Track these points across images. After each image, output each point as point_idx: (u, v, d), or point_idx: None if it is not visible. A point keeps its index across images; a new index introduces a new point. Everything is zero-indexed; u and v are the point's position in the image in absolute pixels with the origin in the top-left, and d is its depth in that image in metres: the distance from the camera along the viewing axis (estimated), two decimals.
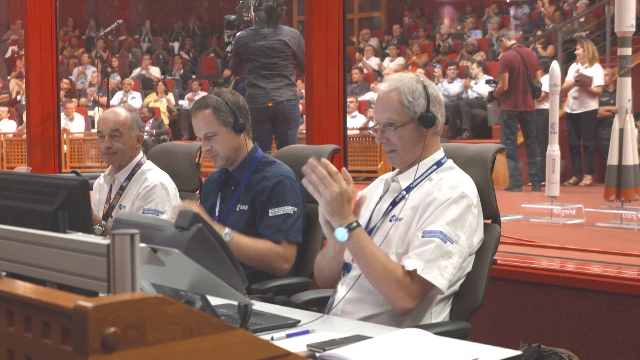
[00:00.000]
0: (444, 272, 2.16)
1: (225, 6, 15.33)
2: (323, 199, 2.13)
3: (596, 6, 11.51)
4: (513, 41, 9.01)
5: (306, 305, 2.49)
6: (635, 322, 3.11)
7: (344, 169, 2.18)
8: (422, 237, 2.19)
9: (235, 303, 1.81)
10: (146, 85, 14.66)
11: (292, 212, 2.90)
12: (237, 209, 2.98)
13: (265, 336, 1.90)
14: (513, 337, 3.39)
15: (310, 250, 2.97)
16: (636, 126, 6.56)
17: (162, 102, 13.79)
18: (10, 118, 13.65)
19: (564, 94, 8.92)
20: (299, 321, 2.08)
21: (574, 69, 9.15)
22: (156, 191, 3.42)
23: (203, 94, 13.28)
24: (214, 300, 1.94)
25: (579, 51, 9.16)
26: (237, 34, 6.23)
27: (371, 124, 11.07)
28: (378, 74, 13.06)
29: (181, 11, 17.81)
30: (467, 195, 2.24)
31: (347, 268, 2.36)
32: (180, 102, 14.17)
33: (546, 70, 8.46)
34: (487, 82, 9.98)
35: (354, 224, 2.15)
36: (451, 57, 13.03)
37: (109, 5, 17.57)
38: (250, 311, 1.79)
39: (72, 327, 0.93)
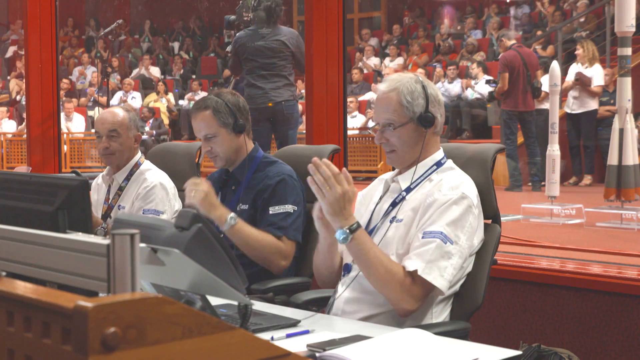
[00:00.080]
0: (444, 272, 2.16)
1: (225, 6, 15.33)
2: (326, 199, 2.13)
3: (596, 6, 11.51)
4: (513, 41, 9.01)
5: (306, 305, 2.49)
6: (635, 322, 3.11)
7: (344, 169, 2.18)
8: (423, 237, 2.19)
9: (235, 303, 1.82)
10: (146, 85, 14.66)
11: (292, 211, 2.90)
12: (238, 209, 2.98)
13: (265, 336, 1.90)
14: (513, 337, 3.39)
15: (310, 250, 2.97)
16: (636, 126, 6.56)
17: (162, 102, 13.79)
18: (10, 118, 13.65)
19: (564, 94, 8.92)
20: (299, 321, 2.08)
21: (574, 69, 9.15)
22: (156, 191, 3.42)
23: (203, 94, 13.29)
24: (214, 300, 1.94)
25: (579, 51, 9.16)
26: (236, 34, 6.24)
27: (370, 123, 11.07)
28: (378, 74, 13.06)
29: (181, 11, 17.81)
30: (467, 196, 2.24)
31: (347, 269, 2.36)
32: (180, 102, 14.17)
33: (546, 70, 8.46)
34: (487, 82, 9.98)
35: (355, 225, 2.15)
36: (451, 57, 13.03)
37: (109, 5, 17.57)
38: (250, 311, 1.79)
39: (72, 327, 0.93)
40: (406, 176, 2.35)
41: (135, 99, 13.63)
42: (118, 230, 1.09)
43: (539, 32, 12.19)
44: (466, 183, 2.29)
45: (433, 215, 2.21)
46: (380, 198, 2.42)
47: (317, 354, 1.77)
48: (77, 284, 1.17)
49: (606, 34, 10.29)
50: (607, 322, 3.17)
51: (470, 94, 11.32)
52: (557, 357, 2.94)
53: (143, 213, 3.36)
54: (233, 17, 6.38)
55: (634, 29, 5.98)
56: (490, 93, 9.18)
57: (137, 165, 3.54)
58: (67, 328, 0.94)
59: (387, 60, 13.76)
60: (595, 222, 5.99)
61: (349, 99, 10.47)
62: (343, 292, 2.31)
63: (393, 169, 2.47)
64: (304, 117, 7.14)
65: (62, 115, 11.96)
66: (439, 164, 2.35)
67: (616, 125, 5.97)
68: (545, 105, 8.36)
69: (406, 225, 2.26)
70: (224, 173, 3.12)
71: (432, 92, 2.34)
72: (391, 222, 2.30)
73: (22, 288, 1.04)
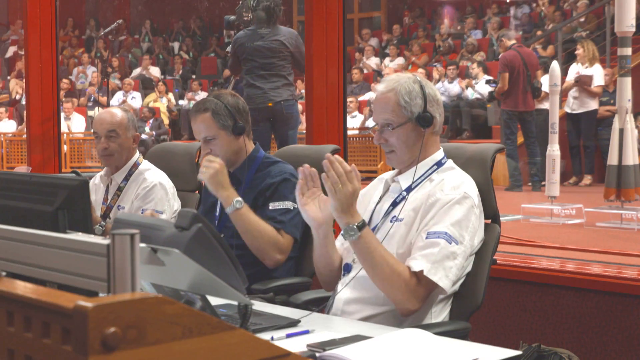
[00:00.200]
0: (449, 273, 2.16)
1: (225, 6, 15.34)
2: (337, 196, 2.13)
3: (596, 6, 11.51)
4: (513, 41, 9.01)
5: (306, 305, 2.49)
6: (635, 322, 3.11)
7: (353, 166, 2.17)
8: (427, 238, 2.18)
9: (235, 303, 1.82)
10: (146, 85, 14.65)
11: (292, 208, 2.90)
12: None
13: (265, 336, 1.90)
14: (513, 337, 3.39)
15: (310, 251, 2.97)
16: (636, 126, 6.56)
17: (162, 102, 13.79)
18: (10, 118, 13.65)
19: (564, 94, 8.92)
20: (299, 321, 2.08)
21: (574, 69, 9.15)
22: (155, 191, 3.43)
23: (203, 94, 13.30)
24: (214, 300, 1.94)
25: (579, 51, 9.16)
26: (236, 34, 6.24)
27: (369, 124, 11.07)
28: (378, 74, 13.06)
29: (181, 11, 17.81)
30: (469, 195, 2.24)
31: (347, 269, 2.36)
32: (180, 102, 14.17)
33: (546, 70, 8.46)
34: (487, 82, 9.98)
35: (362, 223, 2.15)
36: (451, 57, 13.03)
37: (109, 5, 17.57)
38: (250, 311, 1.79)
39: (72, 327, 0.93)
40: (406, 176, 2.35)
41: (135, 99, 13.63)
42: (118, 230, 1.09)
43: (539, 32, 12.19)
44: (467, 183, 2.29)
45: (436, 216, 2.21)
46: (381, 198, 2.42)
47: (317, 354, 1.76)
48: (77, 284, 1.17)
49: (606, 34, 10.29)
50: (607, 322, 3.17)
51: (470, 93, 11.32)
52: (557, 357, 2.93)
53: (142, 213, 3.35)
54: (233, 17, 6.38)
55: (634, 29, 5.98)
56: (490, 93, 9.18)
57: (136, 165, 3.54)
58: (67, 328, 0.94)
59: (387, 61, 13.76)
60: (595, 222, 6.00)
61: (349, 99, 10.47)
62: (343, 292, 2.31)
63: (393, 169, 2.47)
64: (303, 117, 7.13)
65: (62, 115, 11.97)
66: (439, 164, 2.35)
67: (616, 125, 5.98)
68: (545, 105, 8.36)
69: (407, 225, 2.26)
70: None
71: (430, 91, 2.34)
72: (392, 221, 2.30)
73: (22, 288, 1.04)
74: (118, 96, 13.65)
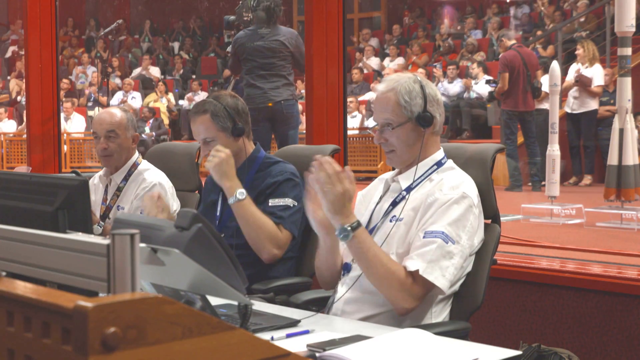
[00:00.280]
0: (445, 272, 2.16)
1: (225, 6, 15.35)
2: (327, 197, 2.13)
3: (596, 6, 11.51)
4: (513, 41, 9.01)
5: (306, 305, 2.49)
6: (635, 322, 3.11)
7: (347, 167, 2.18)
8: (424, 237, 2.19)
9: (235, 303, 1.82)
10: (146, 85, 14.66)
11: (292, 205, 2.91)
12: None
13: (265, 336, 1.90)
14: (513, 337, 3.39)
15: (310, 251, 2.97)
16: (636, 126, 6.56)
17: (162, 102, 13.79)
18: (10, 118, 13.65)
19: (564, 94, 8.92)
20: (299, 321, 2.08)
21: (574, 69, 9.15)
22: (155, 191, 3.42)
23: (203, 94, 13.30)
24: (214, 300, 1.94)
25: (579, 51, 9.16)
26: (236, 34, 6.24)
27: (369, 123, 11.07)
28: (378, 74, 13.06)
29: (181, 11, 17.81)
30: (468, 195, 2.24)
31: (347, 268, 2.36)
32: (180, 102, 14.17)
33: (546, 70, 8.46)
34: (487, 82, 9.98)
35: (355, 224, 2.15)
36: (451, 57, 13.03)
37: (109, 5, 17.57)
38: (250, 311, 1.79)
39: (72, 327, 0.93)
40: (407, 176, 2.35)
41: (135, 99, 13.63)
42: (118, 230, 1.09)
43: (539, 32, 12.19)
44: (467, 183, 2.29)
45: (434, 215, 2.21)
46: (381, 198, 2.42)
47: (317, 354, 1.77)
48: (77, 284, 1.17)
49: (606, 34, 10.29)
50: (607, 322, 3.17)
51: (470, 93, 11.33)
52: (557, 357, 2.93)
53: (141, 213, 3.35)
54: (233, 17, 6.38)
55: (634, 29, 5.98)
56: (490, 93, 9.17)
57: (135, 165, 3.54)
58: (67, 328, 0.94)
59: (387, 61, 13.76)
60: (595, 222, 6.00)
61: (349, 99, 10.47)
62: (343, 292, 2.31)
63: (393, 169, 2.47)
64: (303, 117, 7.14)
65: (62, 115, 11.97)
66: (439, 164, 2.35)
67: (616, 125, 5.97)
68: (545, 105, 8.36)
69: (406, 225, 2.26)
70: None
71: (431, 91, 2.34)
72: (391, 221, 2.30)
73: (22, 288, 1.04)
74: (118, 96, 13.65)
